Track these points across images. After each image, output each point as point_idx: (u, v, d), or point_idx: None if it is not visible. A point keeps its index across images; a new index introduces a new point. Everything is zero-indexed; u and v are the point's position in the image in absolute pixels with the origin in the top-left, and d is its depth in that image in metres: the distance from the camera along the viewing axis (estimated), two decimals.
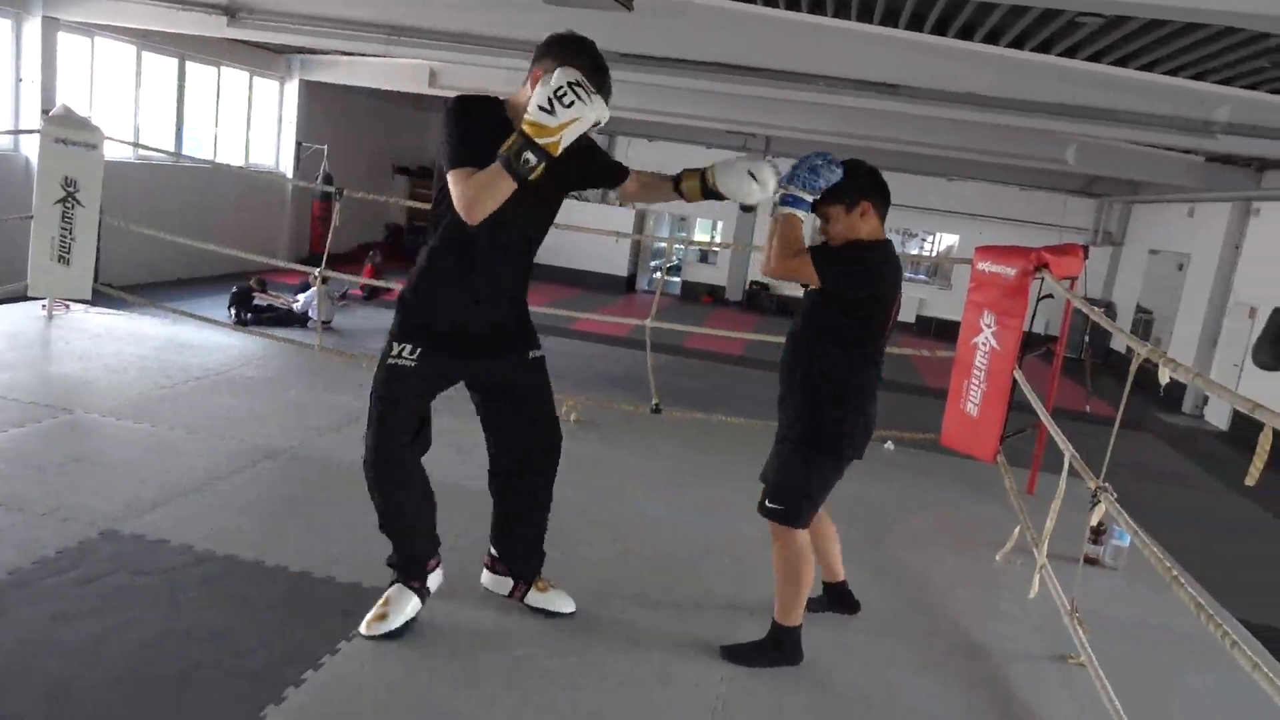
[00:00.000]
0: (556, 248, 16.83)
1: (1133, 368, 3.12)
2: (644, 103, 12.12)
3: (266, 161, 13.92)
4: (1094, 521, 3.46)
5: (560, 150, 2.42)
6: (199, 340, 6.76)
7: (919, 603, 3.81)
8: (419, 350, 2.76)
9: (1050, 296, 4.91)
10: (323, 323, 8.28)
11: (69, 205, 6.50)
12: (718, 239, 17.80)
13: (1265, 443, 2.21)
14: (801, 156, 2.88)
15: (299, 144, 13.99)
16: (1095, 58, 7.44)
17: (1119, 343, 13.26)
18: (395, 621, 2.93)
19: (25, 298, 6.85)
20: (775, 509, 2.96)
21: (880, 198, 2.91)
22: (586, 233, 7.35)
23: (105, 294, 7.24)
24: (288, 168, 13.97)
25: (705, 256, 18.06)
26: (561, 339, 10.69)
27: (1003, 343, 4.93)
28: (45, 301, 6.73)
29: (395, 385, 2.79)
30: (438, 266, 2.78)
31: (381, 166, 17.10)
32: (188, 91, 11.96)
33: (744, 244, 16.33)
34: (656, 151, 17.01)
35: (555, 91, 2.37)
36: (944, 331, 15.81)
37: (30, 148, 8.87)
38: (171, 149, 11.66)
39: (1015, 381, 4.86)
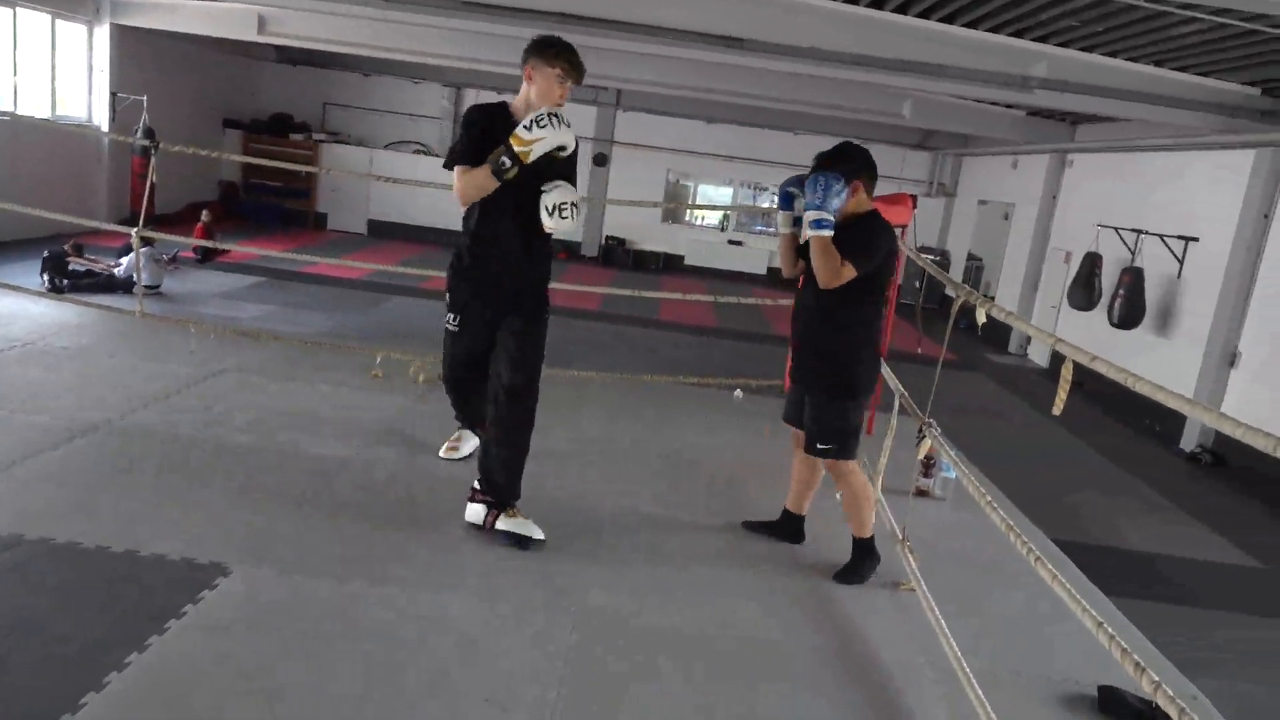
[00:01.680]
0: (403, 204, 16.32)
1: (953, 310, 3.31)
2: (487, 53, 11.76)
3: (78, 113, 12.75)
4: (920, 455, 3.67)
5: (530, 159, 3.19)
6: (3, 309, 6.19)
7: (766, 542, 3.94)
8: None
9: None
10: (148, 287, 7.72)
11: None
12: None
13: (1066, 374, 2.39)
14: (809, 181, 3.34)
15: (114, 95, 12.86)
16: (926, 14, 7.74)
17: (950, 289, 14.06)
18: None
19: None
20: (828, 448, 3.52)
21: (869, 174, 3.44)
22: (430, 188, 7.10)
23: None
24: (103, 120, 12.83)
25: None
26: (410, 299, 10.38)
27: None
28: None
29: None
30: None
31: (210, 120, 15.96)
32: None
33: (599, 199, 16.27)
34: None
35: (535, 118, 3.18)
36: (793, 283, 16.28)
37: None
38: None
39: None
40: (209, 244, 8.85)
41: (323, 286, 10.52)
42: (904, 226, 5.11)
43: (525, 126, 3.18)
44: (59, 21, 12.12)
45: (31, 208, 6.91)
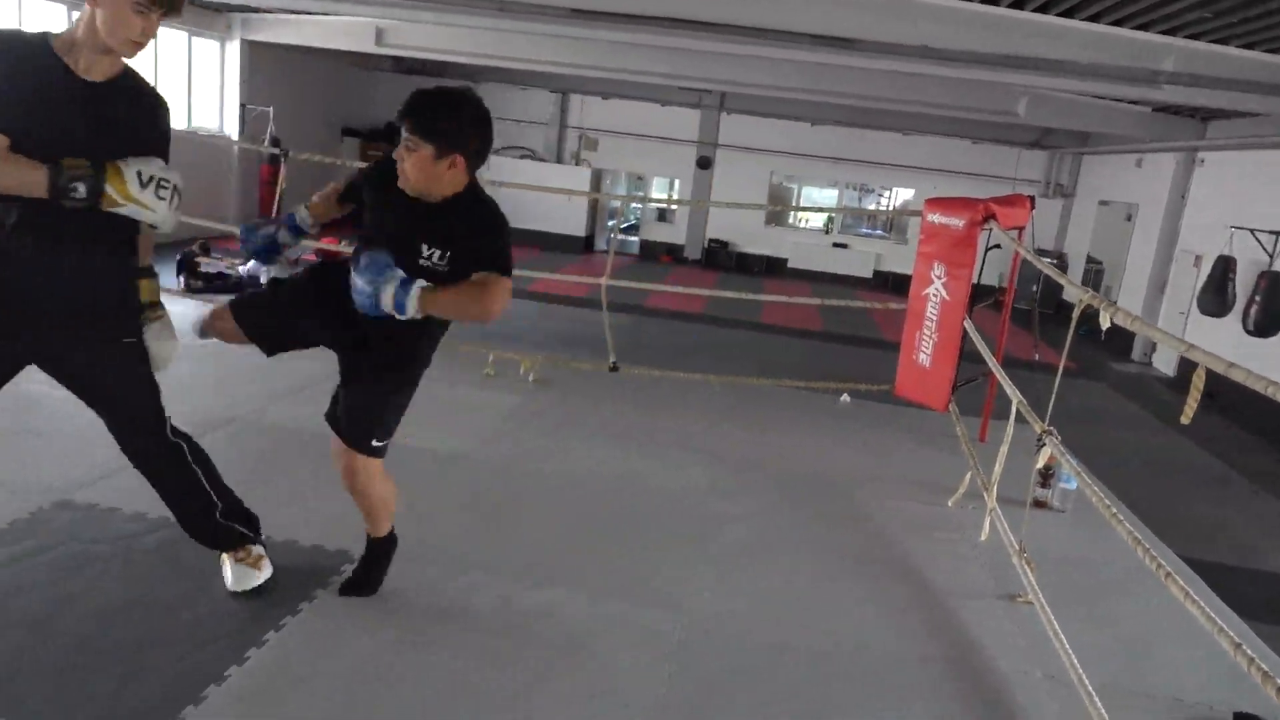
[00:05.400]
0: (510, 207, 16.64)
1: (1075, 315, 3.20)
2: (597, 60, 11.95)
3: (210, 124, 13.54)
4: (1040, 464, 3.56)
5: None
6: None
7: (875, 548, 3.89)
8: None
9: (998, 247, 4.98)
10: None
11: None
12: (675, 197, 17.72)
13: (1198, 382, 2.29)
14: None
15: (243, 106, 13.60)
16: (1043, 9, 7.48)
17: (1071, 293, 13.50)
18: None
19: None
20: None
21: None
22: (541, 192, 7.28)
23: None
24: (233, 130, 13.57)
25: (663, 215, 17.95)
26: (519, 300, 10.60)
27: (952, 293, 5.00)
28: None
29: None
30: None
31: (331, 128, 16.70)
32: None
33: (702, 201, 16.29)
34: (610, 110, 16.81)
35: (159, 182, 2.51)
36: (901, 286, 15.95)
37: None
38: None
39: (965, 331, 4.94)
40: (332, 247, 9.26)
41: None
42: (1021, 229, 4.97)
43: (141, 184, 2.51)
44: (194, 39, 12.90)
45: None
